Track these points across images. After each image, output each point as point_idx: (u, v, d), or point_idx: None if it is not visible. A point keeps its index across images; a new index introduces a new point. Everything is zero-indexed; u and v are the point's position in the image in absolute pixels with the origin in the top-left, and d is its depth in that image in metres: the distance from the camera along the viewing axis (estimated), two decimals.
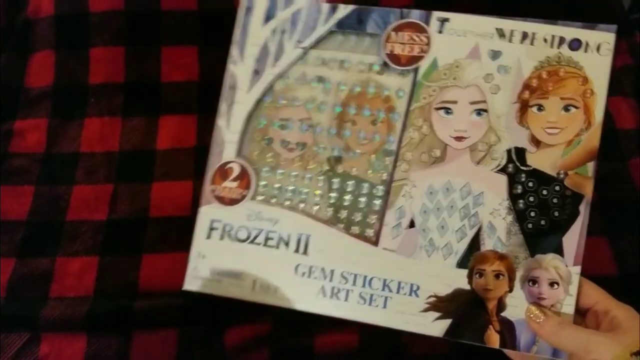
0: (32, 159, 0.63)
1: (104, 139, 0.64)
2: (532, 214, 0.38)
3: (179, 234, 0.58)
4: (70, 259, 0.57)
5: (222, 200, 0.40)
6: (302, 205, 0.38)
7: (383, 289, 0.37)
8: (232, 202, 0.40)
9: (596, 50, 0.37)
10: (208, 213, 0.40)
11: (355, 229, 0.38)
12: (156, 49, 0.67)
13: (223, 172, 0.41)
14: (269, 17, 0.40)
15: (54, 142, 0.64)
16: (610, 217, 0.57)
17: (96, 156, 0.63)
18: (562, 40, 0.38)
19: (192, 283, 0.41)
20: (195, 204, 0.59)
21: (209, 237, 0.41)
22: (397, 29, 0.39)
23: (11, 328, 0.54)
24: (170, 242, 0.58)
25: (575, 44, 0.37)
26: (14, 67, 0.68)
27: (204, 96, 0.66)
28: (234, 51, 0.41)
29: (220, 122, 0.40)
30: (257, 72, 0.40)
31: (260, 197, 0.39)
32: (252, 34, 0.40)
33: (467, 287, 0.38)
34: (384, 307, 0.37)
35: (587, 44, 0.37)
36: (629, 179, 0.59)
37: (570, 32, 0.38)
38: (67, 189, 0.61)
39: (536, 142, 0.37)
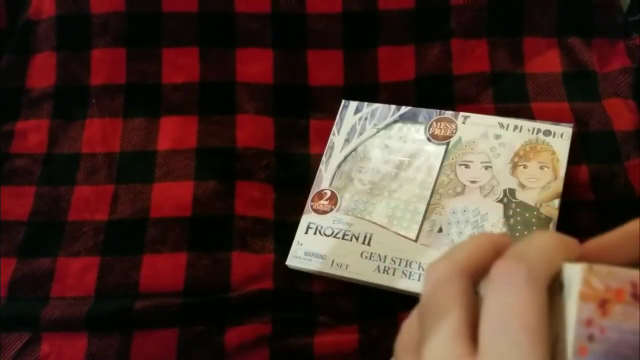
0: (34, 159, 0.63)
1: (105, 139, 0.64)
2: (519, 227, 0.54)
3: (179, 234, 0.58)
4: (71, 259, 0.58)
5: (317, 211, 0.59)
6: (368, 216, 0.57)
7: (419, 269, 0.54)
8: (324, 212, 0.58)
9: (560, 137, 0.58)
10: (307, 219, 0.58)
11: (403, 231, 0.56)
12: (157, 50, 0.68)
13: (320, 195, 0.60)
14: (357, 110, 0.64)
15: (55, 142, 0.64)
16: (608, 219, 0.57)
17: (97, 157, 0.63)
18: (539, 130, 0.58)
19: (293, 261, 0.57)
20: (195, 204, 0.60)
21: (306, 232, 0.58)
22: (437, 121, 0.61)
23: (12, 328, 0.54)
24: (171, 243, 0.58)
25: (547, 132, 0.58)
26: (16, 68, 0.68)
27: (205, 97, 0.66)
28: (334, 128, 0.64)
29: (321, 167, 0.62)
30: (347, 140, 0.63)
31: (342, 210, 0.58)
32: (347, 120, 0.64)
33: None
34: (419, 280, 0.53)
35: (554, 133, 0.58)
36: (627, 180, 0.59)
37: (544, 125, 0.59)
38: (68, 190, 0.61)
39: (522, 186, 0.56)
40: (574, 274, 0.20)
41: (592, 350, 0.19)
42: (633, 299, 0.19)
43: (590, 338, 0.19)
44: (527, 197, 0.55)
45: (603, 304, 0.19)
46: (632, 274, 0.19)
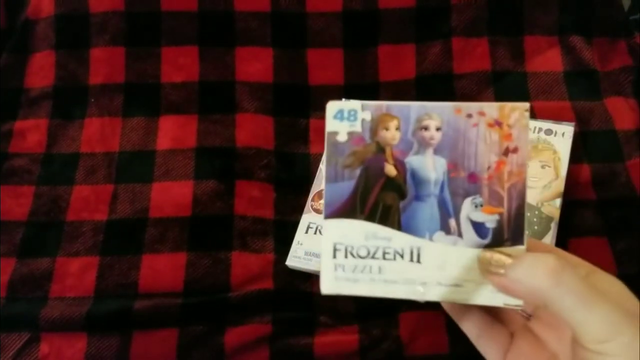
0: (32, 159, 0.63)
1: (104, 139, 0.64)
2: None
3: (179, 234, 0.58)
4: (70, 259, 0.57)
5: (317, 211, 0.58)
6: None
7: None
8: None
9: (561, 136, 0.58)
10: (308, 218, 0.58)
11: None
12: (156, 49, 0.67)
13: (320, 194, 0.59)
14: None
15: (54, 142, 0.64)
16: (610, 218, 0.57)
17: (96, 156, 0.63)
18: (540, 129, 0.59)
19: (293, 260, 0.56)
20: (195, 204, 0.60)
21: (306, 232, 0.58)
22: None
23: (11, 328, 0.54)
24: (170, 243, 0.58)
25: (548, 131, 0.59)
26: (14, 68, 0.68)
27: (204, 96, 0.66)
28: None
29: (321, 166, 0.62)
30: None
31: None
32: None
33: None
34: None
35: (555, 132, 0.59)
36: (629, 179, 0.59)
37: (545, 124, 0.59)
38: (67, 189, 0.61)
39: None
40: None
41: None
42: None
43: None
44: (528, 196, 0.56)
45: None
46: None
